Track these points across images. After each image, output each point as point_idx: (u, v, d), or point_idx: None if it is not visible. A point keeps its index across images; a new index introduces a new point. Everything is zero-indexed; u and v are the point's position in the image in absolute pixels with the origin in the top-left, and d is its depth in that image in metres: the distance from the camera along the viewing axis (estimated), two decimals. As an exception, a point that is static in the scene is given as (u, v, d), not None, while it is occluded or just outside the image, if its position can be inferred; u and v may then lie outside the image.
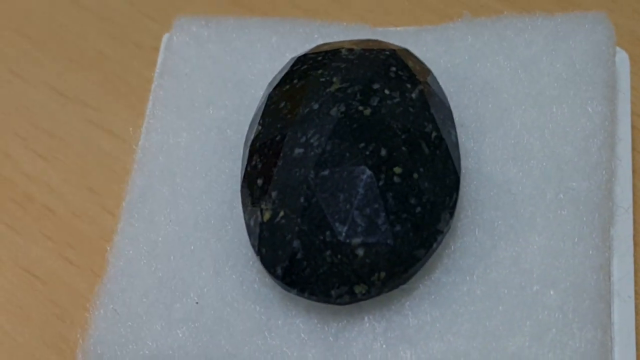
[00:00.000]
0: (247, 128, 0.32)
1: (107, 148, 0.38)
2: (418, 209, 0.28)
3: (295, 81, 0.31)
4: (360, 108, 0.29)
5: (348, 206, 0.28)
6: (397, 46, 0.32)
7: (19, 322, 0.35)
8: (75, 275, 0.35)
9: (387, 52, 0.31)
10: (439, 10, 0.40)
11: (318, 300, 0.28)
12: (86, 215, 0.37)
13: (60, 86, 0.40)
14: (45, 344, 0.34)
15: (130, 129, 0.34)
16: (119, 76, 0.40)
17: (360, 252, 0.28)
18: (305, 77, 0.31)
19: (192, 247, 0.31)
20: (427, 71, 0.32)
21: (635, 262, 0.30)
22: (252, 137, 0.31)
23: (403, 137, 0.29)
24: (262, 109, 0.31)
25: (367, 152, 0.29)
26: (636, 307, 0.29)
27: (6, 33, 0.42)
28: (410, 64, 0.31)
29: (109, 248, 0.31)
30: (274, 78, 0.32)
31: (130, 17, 0.42)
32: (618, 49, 0.34)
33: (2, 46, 0.42)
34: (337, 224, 0.28)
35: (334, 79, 0.30)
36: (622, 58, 0.34)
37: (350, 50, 0.31)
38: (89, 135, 0.39)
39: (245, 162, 0.30)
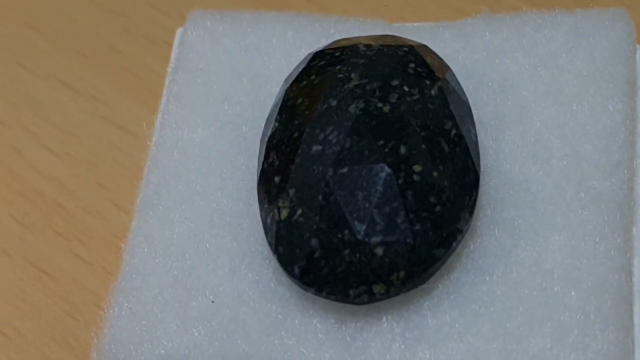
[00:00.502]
0: (263, 124, 0.32)
1: (118, 143, 0.38)
2: (438, 208, 0.28)
3: (312, 77, 0.31)
4: (379, 105, 0.29)
5: (367, 204, 0.28)
6: (415, 42, 0.32)
7: (29, 319, 0.34)
8: (85, 272, 0.35)
9: (406, 48, 0.31)
10: (455, 5, 0.39)
11: (336, 300, 0.28)
12: (97, 211, 0.36)
13: (71, 81, 0.40)
14: (55, 340, 0.34)
15: (144, 124, 0.34)
16: (130, 71, 0.40)
17: (379, 251, 0.27)
18: (322, 73, 0.30)
19: (208, 245, 0.30)
20: (446, 68, 0.31)
21: (656, 263, 0.30)
22: (268, 133, 0.30)
23: (422, 134, 0.29)
24: (278, 105, 0.31)
25: (386, 150, 0.28)
26: (658, 308, 0.29)
27: (17, 27, 0.42)
28: (428, 60, 0.31)
29: (123, 245, 0.31)
30: (291, 74, 0.32)
31: (142, 11, 0.42)
32: (637, 45, 0.33)
33: (14, 40, 0.41)
34: (355, 223, 0.28)
35: (352, 75, 0.30)
36: (641, 55, 0.33)
37: (368, 46, 0.31)
38: (100, 131, 0.38)
39: (262, 159, 0.30)
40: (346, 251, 0.28)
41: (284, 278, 0.29)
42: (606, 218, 0.29)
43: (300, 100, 0.30)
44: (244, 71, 0.34)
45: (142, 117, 0.36)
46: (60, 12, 0.42)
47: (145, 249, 0.31)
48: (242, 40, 0.34)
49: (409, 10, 0.40)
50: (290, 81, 0.31)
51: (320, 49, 0.32)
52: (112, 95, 0.39)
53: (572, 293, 0.28)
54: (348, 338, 0.28)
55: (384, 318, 0.29)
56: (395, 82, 0.30)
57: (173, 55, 0.35)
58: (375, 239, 0.28)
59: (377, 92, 0.29)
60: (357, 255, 0.28)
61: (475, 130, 0.30)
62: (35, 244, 0.36)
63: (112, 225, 0.36)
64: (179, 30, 0.35)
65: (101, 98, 0.39)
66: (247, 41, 0.34)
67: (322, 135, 0.29)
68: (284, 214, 0.29)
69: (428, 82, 0.30)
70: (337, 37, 0.34)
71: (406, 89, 0.29)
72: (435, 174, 0.28)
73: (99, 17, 0.42)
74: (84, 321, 0.34)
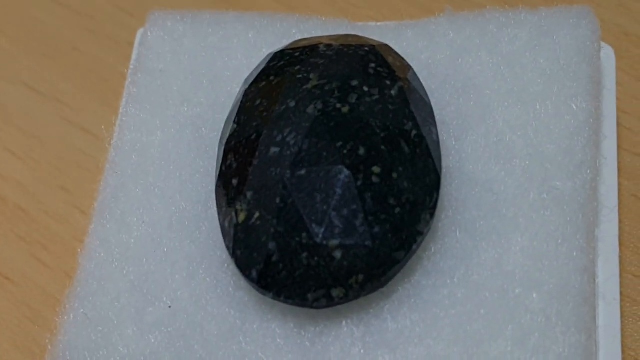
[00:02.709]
0: (222, 126, 0.31)
1: (82, 146, 0.38)
2: (397, 210, 0.28)
3: (271, 78, 0.30)
4: (338, 106, 0.29)
5: (325, 207, 0.27)
6: (376, 42, 0.31)
7: (-10, 324, 0.34)
8: (47, 277, 0.35)
9: (367, 48, 0.31)
10: (421, 4, 0.39)
11: (294, 304, 0.28)
12: (59, 215, 0.36)
13: (34, 83, 0.39)
14: (16, 347, 0.33)
15: (103, 127, 0.33)
16: (94, 72, 0.39)
17: (338, 254, 0.27)
18: (281, 73, 0.30)
19: (166, 249, 0.30)
20: (408, 67, 0.31)
21: (620, 264, 0.29)
22: (227, 135, 0.30)
23: (382, 135, 0.28)
24: (237, 107, 0.30)
25: (345, 151, 0.28)
26: (622, 309, 0.29)
27: (-22, 28, 0.41)
28: (390, 60, 0.30)
29: (79, 250, 0.31)
30: (250, 74, 0.31)
31: (106, 12, 0.41)
32: (603, 44, 0.33)
33: (-26, 42, 0.41)
34: (313, 226, 0.27)
35: (312, 76, 0.30)
36: (608, 53, 0.33)
37: (329, 46, 0.31)
38: (63, 133, 0.38)
39: (220, 161, 0.30)
40: (304, 254, 0.27)
41: (243, 282, 0.29)
42: (569, 219, 0.29)
43: (258, 102, 0.30)
44: (204, 72, 0.33)
45: (106, 119, 0.36)
46: (24, 14, 0.41)
47: (102, 254, 0.30)
48: (203, 40, 0.34)
49: (376, 9, 0.39)
50: (250, 82, 0.31)
51: (279, 49, 0.31)
52: (75, 97, 0.39)
53: (534, 295, 0.28)
54: (307, 343, 0.28)
55: (344, 322, 0.28)
56: (354, 83, 0.29)
57: (133, 56, 0.35)
58: (334, 242, 0.27)
59: (336, 92, 0.29)
60: (316, 258, 0.27)
61: (437, 130, 0.30)
62: (-4, 249, 0.36)
63: (75, 229, 0.35)
64: (140, 31, 0.35)
65: (65, 100, 0.39)
66: (207, 42, 0.34)
67: (280, 137, 0.28)
68: (242, 217, 0.28)
69: (389, 82, 0.29)
70: (299, 37, 0.33)
71: (366, 89, 0.29)
72: (394, 175, 0.28)
73: (63, 18, 0.41)
74: (45, 327, 0.33)
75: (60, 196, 0.36)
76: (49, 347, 0.29)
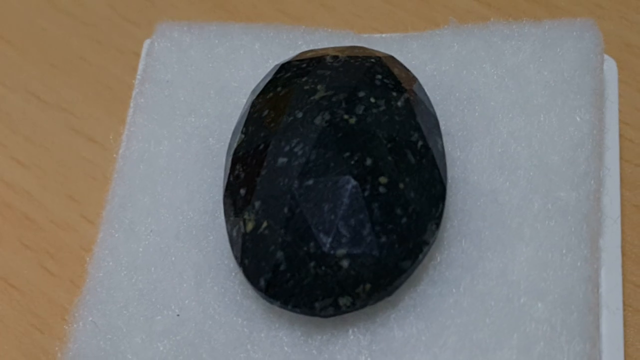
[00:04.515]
0: (229, 136, 0.32)
1: (88, 155, 0.38)
2: (404, 220, 0.28)
3: (278, 89, 0.30)
4: (346, 117, 0.29)
5: (333, 217, 0.28)
6: (382, 53, 0.32)
7: (-3, 333, 0.34)
8: (54, 286, 0.35)
9: (373, 60, 0.31)
10: (424, 14, 0.39)
11: (302, 313, 0.28)
12: (66, 223, 0.36)
13: (40, 92, 0.40)
14: (23, 355, 0.34)
15: (111, 136, 0.33)
16: (100, 82, 0.39)
17: (345, 263, 0.27)
18: (289, 84, 0.30)
19: (173, 258, 0.30)
20: (413, 79, 0.31)
21: (623, 274, 0.30)
22: (234, 145, 0.30)
23: (389, 146, 0.29)
24: (245, 117, 0.31)
25: (352, 162, 0.28)
26: (624, 319, 0.29)
27: (-15, 38, 0.41)
28: (396, 71, 0.31)
29: (88, 259, 0.31)
30: (257, 86, 0.31)
31: (112, 22, 0.41)
32: (605, 56, 0.33)
33: (-19, 51, 0.41)
34: (321, 235, 0.28)
35: (319, 87, 0.30)
36: (610, 65, 0.33)
37: (335, 57, 0.31)
38: (69, 142, 0.38)
39: (228, 171, 0.30)
40: (312, 264, 0.27)
41: (250, 291, 0.29)
42: (573, 229, 0.29)
43: (266, 112, 0.30)
44: (211, 83, 0.34)
45: (112, 128, 0.36)
46: (30, 23, 0.42)
47: (111, 263, 0.30)
48: (210, 51, 0.34)
49: (380, 20, 0.40)
50: (257, 93, 0.31)
51: (286, 61, 0.32)
52: (82, 106, 0.39)
53: (539, 304, 0.28)
54: (314, 351, 0.28)
55: (350, 331, 0.28)
56: (361, 94, 0.29)
57: (140, 67, 0.35)
58: (341, 251, 0.27)
59: (343, 103, 0.29)
60: (323, 267, 0.27)
61: (442, 141, 0.30)
62: (2, 257, 0.36)
63: (81, 238, 0.36)
64: (147, 42, 0.35)
65: (71, 109, 0.39)
66: (214, 53, 0.34)
67: (287, 147, 0.29)
68: (250, 226, 0.28)
69: (395, 94, 0.30)
70: (305, 49, 0.34)
71: (372, 100, 0.29)
72: (401, 185, 0.28)
73: (69, 28, 0.41)
74: (52, 335, 0.34)
75: (67, 204, 0.37)
76: (59, 354, 0.29)
